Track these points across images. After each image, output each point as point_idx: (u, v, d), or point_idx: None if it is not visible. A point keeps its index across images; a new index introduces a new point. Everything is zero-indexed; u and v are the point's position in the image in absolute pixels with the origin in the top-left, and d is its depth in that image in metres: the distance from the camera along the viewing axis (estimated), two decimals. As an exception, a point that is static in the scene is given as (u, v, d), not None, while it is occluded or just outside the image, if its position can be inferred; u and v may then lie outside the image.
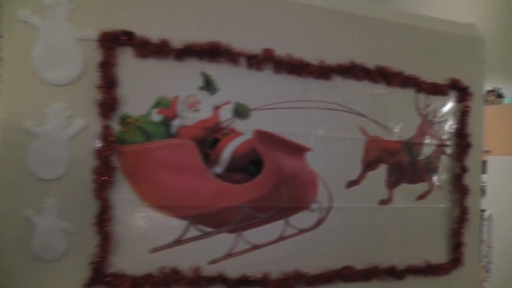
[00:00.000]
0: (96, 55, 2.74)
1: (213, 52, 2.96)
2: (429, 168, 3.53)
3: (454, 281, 3.58)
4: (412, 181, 3.48)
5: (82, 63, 2.72)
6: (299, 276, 3.14)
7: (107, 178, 2.73)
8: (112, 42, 2.76)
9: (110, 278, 2.76)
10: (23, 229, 2.64)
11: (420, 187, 3.52)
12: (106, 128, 2.74)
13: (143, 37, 2.82)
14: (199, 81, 2.97)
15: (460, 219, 3.58)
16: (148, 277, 2.84)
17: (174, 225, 2.92)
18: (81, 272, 2.73)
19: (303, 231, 3.18)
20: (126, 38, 2.78)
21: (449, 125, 3.61)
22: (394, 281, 3.38)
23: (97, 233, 2.74)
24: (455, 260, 3.59)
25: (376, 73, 3.34)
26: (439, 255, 3.58)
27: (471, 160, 3.62)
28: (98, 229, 2.74)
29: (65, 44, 2.71)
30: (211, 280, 2.96)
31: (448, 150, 3.60)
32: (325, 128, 3.24)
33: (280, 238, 3.13)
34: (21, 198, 2.65)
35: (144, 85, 2.86)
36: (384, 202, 3.40)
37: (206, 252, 2.99)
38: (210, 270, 2.97)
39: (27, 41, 2.65)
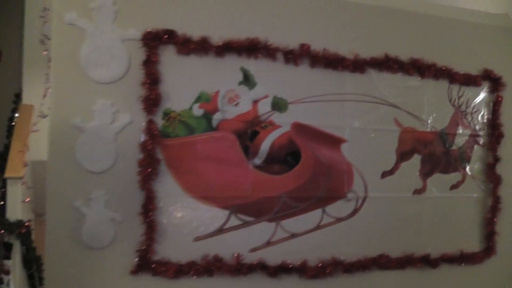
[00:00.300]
0: (140, 54, 2.74)
1: (251, 48, 2.94)
2: (462, 158, 3.44)
3: (488, 270, 3.50)
4: (446, 171, 3.39)
5: (126, 62, 2.72)
6: (336, 264, 3.11)
7: (151, 170, 2.74)
8: (155, 41, 2.76)
9: (155, 265, 2.77)
10: (73, 219, 2.66)
11: (453, 177, 3.43)
12: (150, 122, 2.74)
13: (185, 35, 2.80)
14: (239, 77, 2.96)
15: (492, 209, 3.49)
16: (191, 264, 2.84)
17: (216, 215, 2.91)
18: (128, 259, 2.74)
19: (339, 220, 3.14)
20: (167, 36, 2.78)
21: (482, 115, 3.51)
22: (428, 269, 3.32)
23: (142, 223, 2.74)
24: (488, 249, 3.49)
25: (410, 66, 3.27)
26: (472, 244, 3.49)
27: (504, 150, 3.52)
28: (144, 218, 2.74)
29: (111, 44, 2.71)
30: (252, 267, 2.94)
31: (481, 140, 3.51)
32: (360, 120, 3.19)
33: (318, 227, 3.10)
34: (71, 190, 2.66)
35: (186, 81, 2.85)
36: (418, 192, 3.32)
37: (246, 241, 2.97)
38: (251, 258, 2.96)
39: (74, 42, 2.66)
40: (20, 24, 4.12)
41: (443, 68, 3.35)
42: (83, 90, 2.67)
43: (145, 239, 2.75)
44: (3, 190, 3.21)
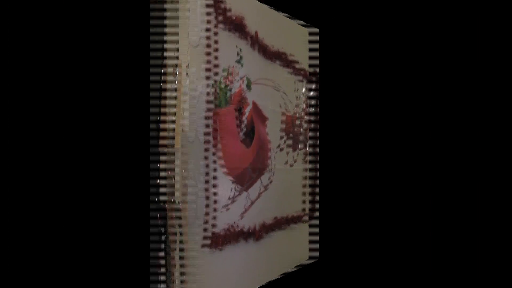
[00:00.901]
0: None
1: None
2: (306, 138, 4.04)
3: (315, 226, 4.14)
4: (300, 148, 3.95)
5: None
6: (259, 227, 3.24)
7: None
8: None
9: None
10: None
11: (302, 153, 3.99)
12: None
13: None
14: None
15: (312, 178, 4.15)
16: None
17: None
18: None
19: (266, 188, 3.33)
20: None
21: (312, 105, 4.13)
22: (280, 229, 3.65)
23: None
24: (312, 211, 4.14)
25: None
26: (306, 207, 4.10)
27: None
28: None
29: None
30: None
31: (313, 125, 4.14)
32: (270, 102, 3.42)
33: (259, 195, 3.23)
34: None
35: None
36: (290, 164, 3.78)
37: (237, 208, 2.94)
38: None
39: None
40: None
41: (294, 66, 3.84)
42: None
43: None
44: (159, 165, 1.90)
